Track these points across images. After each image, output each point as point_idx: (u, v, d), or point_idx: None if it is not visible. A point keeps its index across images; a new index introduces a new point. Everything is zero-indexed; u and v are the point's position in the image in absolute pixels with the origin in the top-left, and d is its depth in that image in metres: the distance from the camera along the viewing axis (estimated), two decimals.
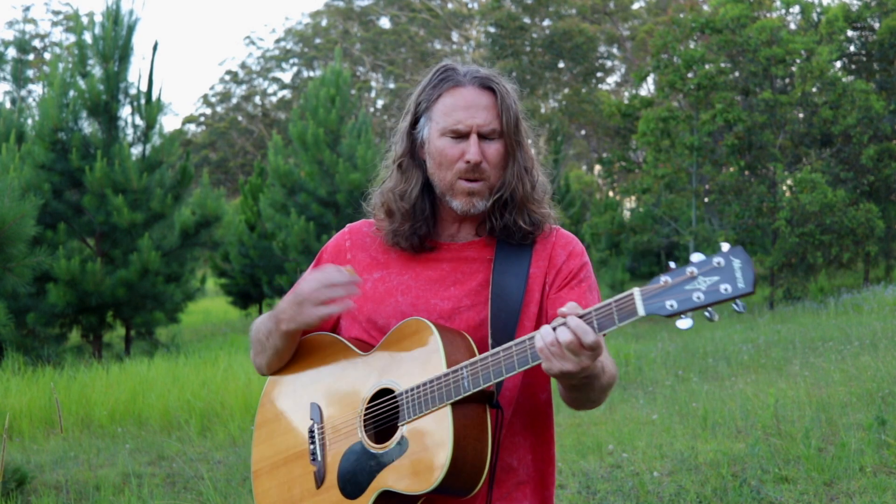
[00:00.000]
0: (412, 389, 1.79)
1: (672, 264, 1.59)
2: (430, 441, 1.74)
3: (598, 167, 41.56)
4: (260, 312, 21.00)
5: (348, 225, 2.13)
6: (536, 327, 1.92)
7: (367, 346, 1.96)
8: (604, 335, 1.63)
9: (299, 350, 2.04)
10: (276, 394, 2.05)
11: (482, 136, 1.90)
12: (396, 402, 1.83)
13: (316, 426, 1.95)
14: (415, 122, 1.99)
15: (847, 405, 6.54)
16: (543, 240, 2.00)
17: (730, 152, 18.83)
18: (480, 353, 1.84)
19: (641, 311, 1.57)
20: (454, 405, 1.74)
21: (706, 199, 20.83)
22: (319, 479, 1.91)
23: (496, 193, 1.93)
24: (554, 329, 1.63)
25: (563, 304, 1.87)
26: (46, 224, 11.07)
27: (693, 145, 18.88)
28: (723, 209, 19.61)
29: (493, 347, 1.84)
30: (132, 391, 8.02)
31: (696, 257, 1.56)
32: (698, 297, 1.53)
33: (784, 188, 19.45)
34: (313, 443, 1.93)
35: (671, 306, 1.55)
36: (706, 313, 1.54)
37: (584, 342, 1.59)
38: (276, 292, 17.99)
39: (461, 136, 1.90)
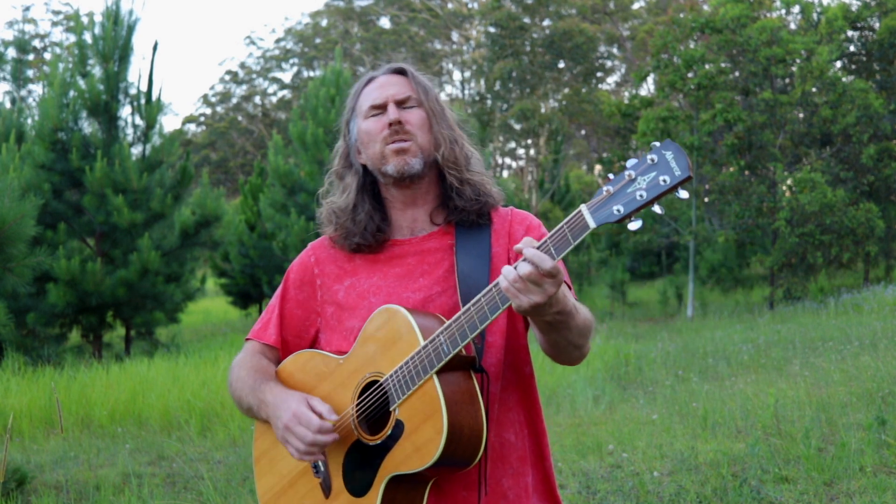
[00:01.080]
0: (395, 372, 1.81)
1: (611, 175, 1.62)
2: (424, 414, 1.75)
3: (598, 167, 41.55)
4: (260, 313, 20.99)
5: (310, 244, 2.17)
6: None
7: (341, 352, 1.98)
8: (562, 258, 1.66)
9: (282, 377, 2.05)
10: (267, 426, 2.05)
11: (400, 105, 1.99)
12: (384, 389, 1.83)
13: None
14: (348, 132, 2.09)
15: (847, 405, 6.54)
16: (500, 219, 2.04)
17: (730, 152, 18.83)
18: None
19: (592, 223, 1.60)
20: (439, 375, 1.75)
21: (706, 199, 20.83)
22: (326, 489, 1.92)
23: (430, 159, 1.99)
24: (515, 267, 1.66)
25: None
26: (46, 224, 11.07)
27: (693, 145, 18.88)
28: (723, 209, 19.61)
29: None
30: (132, 391, 8.02)
31: (631, 162, 1.60)
32: (641, 196, 1.56)
33: (784, 188, 19.46)
34: None
35: (618, 211, 1.58)
36: (654, 209, 1.59)
37: (543, 269, 1.60)
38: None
39: (381, 109, 2.00)
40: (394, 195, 2.03)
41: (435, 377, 1.75)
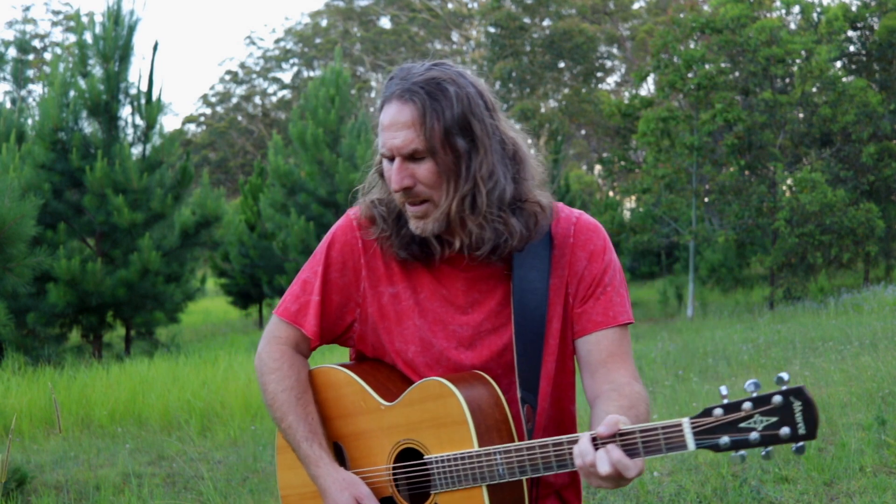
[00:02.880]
0: (443, 460, 1.74)
1: (723, 391, 1.49)
2: None
3: (598, 167, 41.55)
4: (260, 313, 21.01)
5: (353, 214, 1.92)
6: (561, 343, 1.87)
7: (385, 387, 1.88)
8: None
9: (315, 383, 1.96)
10: None
11: (409, 158, 1.73)
12: (427, 467, 1.78)
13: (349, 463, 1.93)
14: None
15: (847, 405, 6.54)
16: (561, 239, 1.85)
17: (730, 152, 18.82)
18: (501, 383, 1.81)
19: (691, 446, 1.49)
20: (489, 485, 1.72)
21: (706, 199, 20.83)
22: None
23: (445, 214, 1.75)
24: (595, 445, 1.54)
25: (588, 320, 1.83)
26: (46, 224, 11.07)
27: (693, 145, 18.88)
28: (723, 209, 19.60)
29: (520, 383, 1.80)
30: (132, 391, 8.02)
31: (750, 386, 1.48)
32: (754, 438, 1.46)
33: (784, 188, 19.46)
34: None
35: (724, 443, 1.47)
36: (762, 451, 1.48)
37: (626, 477, 1.51)
38: (276, 292, 17.99)
39: (391, 160, 1.76)
40: None
41: (485, 488, 1.71)
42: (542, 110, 31.83)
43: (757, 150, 19.09)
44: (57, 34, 41.23)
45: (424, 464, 1.78)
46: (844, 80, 19.98)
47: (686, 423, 1.49)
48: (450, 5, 42.19)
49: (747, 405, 1.46)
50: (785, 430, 1.43)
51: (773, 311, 16.99)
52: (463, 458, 1.71)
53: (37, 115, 11.85)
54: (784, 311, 16.12)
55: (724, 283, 21.90)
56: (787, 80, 20.61)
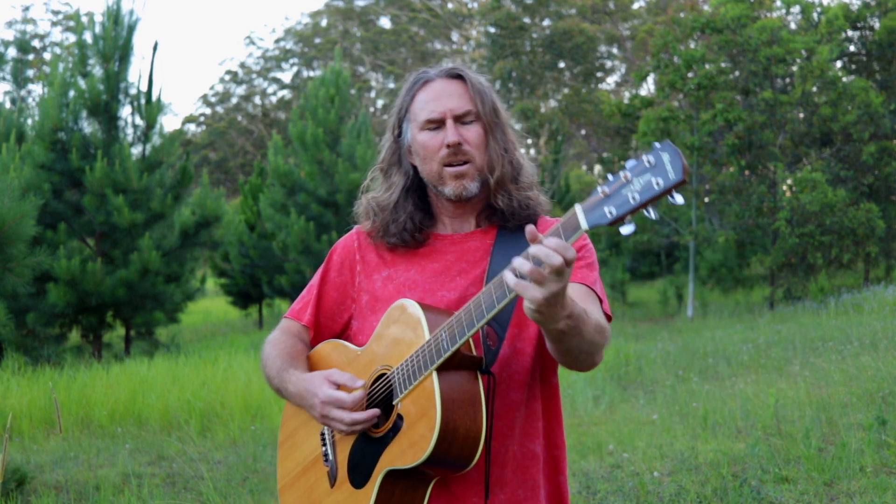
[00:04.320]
0: (401, 366, 1.81)
1: (610, 176, 1.57)
2: (421, 410, 1.74)
3: (598, 167, 41.52)
4: (260, 313, 21.01)
5: (355, 227, 2.16)
6: None
7: (361, 344, 2.00)
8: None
9: (310, 363, 2.09)
10: (294, 410, 2.10)
11: (458, 120, 1.94)
12: (390, 382, 1.84)
13: (326, 429, 1.98)
14: (399, 131, 2.04)
15: (847, 405, 6.54)
16: (543, 225, 2.02)
17: (730, 152, 18.82)
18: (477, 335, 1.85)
19: (584, 225, 1.55)
20: (440, 372, 1.73)
21: (706, 199, 20.83)
22: (332, 478, 1.94)
23: (485, 174, 1.96)
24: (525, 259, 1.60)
25: None
26: (46, 224, 11.06)
27: (693, 145, 18.88)
28: (723, 209, 19.60)
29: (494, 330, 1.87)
30: (132, 391, 8.02)
31: (629, 162, 1.54)
32: (634, 198, 1.50)
33: (784, 188, 19.45)
34: (325, 445, 1.98)
35: (610, 213, 1.52)
36: (646, 212, 1.51)
37: (567, 257, 1.53)
38: (275, 292, 17.99)
39: (438, 124, 1.95)
40: (444, 204, 2.03)
41: (434, 374, 1.73)
42: (542, 110, 31.82)
43: (757, 150, 19.09)
44: (57, 34, 41.23)
45: (388, 378, 1.84)
46: (845, 79, 19.97)
47: (578, 206, 1.58)
48: (450, 5, 42.18)
49: (625, 172, 1.53)
50: (657, 181, 1.48)
51: (773, 311, 16.99)
52: (416, 354, 1.78)
53: (37, 115, 11.84)
54: (784, 311, 16.11)
55: (724, 283, 21.90)
56: (788, 80, 20.60)
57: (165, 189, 12.01)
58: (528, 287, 1.56)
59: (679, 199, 1.49)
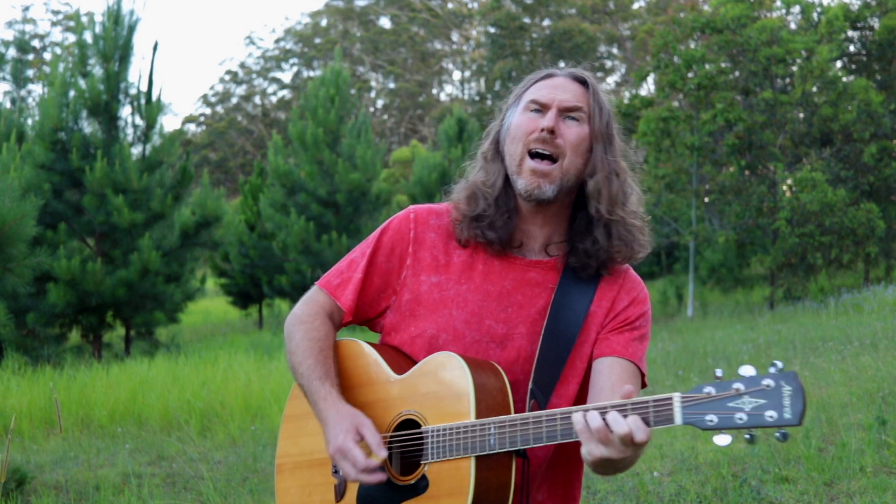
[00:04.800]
0: (438, 430, 1.75)
1: (718, 372, 1.50)
2: (451, 487, 1.71)
3: None
4: (260, 313, 21.01)
5: (413, 209, 1.98)
6: (587, 371, 1.88)
7: (399, 364, 1.90)
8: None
9: (335, 353, 1.99)
10: None
11: (564, 112, 1.83)
12: (421, 437, 1.79)
13: None
14: (503, 119, 1.94)
15: (847, 405, 6.54)
16: (610, 279, 1.91)
17: (730, 152, 18.82)
18: (520, 389, 1.81)
19: (679, 420, 1.49)
20: (478, 457, 1.70)
21: (706, 199, 20.83)
22: (339, 494, 1.89)
23: (569, 185, 1.83)
24: (603, 416, 1.54)
25: (608, 346, 1.85)
26: (47, 224, 11.07)
27: (693, 145, 18.88)
28: (723, 209, 19.60)
29: (534, 382, 1.81)
30: (132, 391, 8.02)
31: (746, 371, 1.47)
32: (741, 419, 1.45)
33: (784, 188, 19.46)
34: None
35: (710, 421, 1.47)
36: (746, 435, 1.48)
37: (637, 440, 1.50)
38: (275, 292, 17.99)
39: (542, 107, 1.84)
40: (521, 203, 1.88)
41: (473, 460, 1.70)
42: None
43: (757, 150, 19.09)
44: (57, 34, 41.25)
45: (420, 433, 1.79)
46: (845, 79, 19.98)
47: (677, 397, 1.50)
48: (450, 5, 42.18)
49: (738, 385, 1.47)
50: (771, 414, 1.43)
51: (773, 311, 16.99)
52: (458, 429, 1.71)
53: (37, 115, 11.85)
54: (784, 311, 16.11)
55: (724, 283, 21.91)
56: (788, 80, 20.61)
57: (165, 189, 12.01)
58: (589, 439, 1.54)
59: (784, 438, 1.44)
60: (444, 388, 1.77)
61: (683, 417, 1.49)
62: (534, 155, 1.82)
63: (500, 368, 1.80)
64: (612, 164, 1.84)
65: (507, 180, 1.88)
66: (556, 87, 1.86)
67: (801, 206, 17.53)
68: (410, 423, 1.84)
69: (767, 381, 1.45)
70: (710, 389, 1.49)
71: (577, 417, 1.56)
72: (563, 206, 1.88)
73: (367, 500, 1.84)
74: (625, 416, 1.52)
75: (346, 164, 15.21)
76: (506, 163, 1.87)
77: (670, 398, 1.50)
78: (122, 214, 11.20)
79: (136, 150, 12.11)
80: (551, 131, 1.79)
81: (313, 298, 1.99)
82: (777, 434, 1.44)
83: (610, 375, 1.83)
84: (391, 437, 1.84)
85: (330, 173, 15.43)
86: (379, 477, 1.74)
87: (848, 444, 5.20)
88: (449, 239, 1.93)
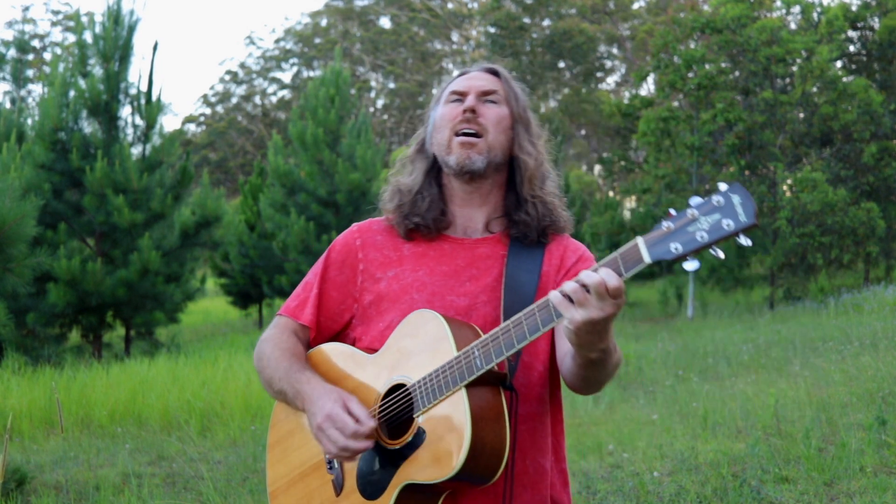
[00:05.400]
0: (424, 379, 1.77)
1: (672, 211, 1.58)
2: (448, 426, 1.72)
3: (598, 167, 41.50)
4: (260, 313, 21.01)
5: (356, 224, 2.10)
6: None
7: (370, 350, 1.93)
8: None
9: (310, 364, 2.02)
10: (288, 411, 2.02)
11: (482, 96, 1.96)
12: (409, 395, 1.80)
13: None
14: (427, 122, 2.04)
15: (847, 405, 6.54)
16: (556, 243, 2.01)
17: (730, 152, 18.83)
18: None
19: (647, 258, 1.55)
20: (468, 388, 1.71)
21: None
22: (338, 486, 1.89)
23: (497, 160, 1.95)
24: (577, 279, 1.60)
25: None
26: (47, 224, 11.06)
27: (693, 145, 18.88)
28: None
29: None
30: (132, 391, 8.02)
31: (695, 200, 1.55)
32: (702, 237, 1.51)
33: (784, 188, 19.46)
34: None
35: (676, 249, 1.53)
36: (712, 251, 1.54)
37: (610, 285, 1.54)
38: (275, 292, 17.98)
39: (461, 96, 1.96)
40: (454, 188, 1.99)
41: (464, 390, 1.71)
42: (543, 110, 31.81)
43: (757, 149, 19.09)
44: (57, 34, 41.24)
45: (408, 391, 1.80)
46: (845, 79, 19.97)
47: (640, 239, 1.57)
48: (450, 5, 42.18)
49: (692, 211, 1.54)
50: (727, 222, 1.49)
51: (773, 311, 16.99)
52: (443, 368, 1.74)
53: (37, 115, 11.84)
54: (784, 312, 16.12)
55: (724, 283, 21.90)
56: (788, 80, 20.61)
57: (165, 189, 12.01)
58: (569, 307, 1.57)
59: (747, 241, 1.50)
60: (421, 341, 1.81)
61: (650, 254, 1.55)
62: (459, 134, 1.94)
63: (470, 323, 1.86)
64: (534, 146, 1.99)
65: (428, 172, 2.01)
66: (472, 78, 1.99)
67: (801, 206, 17.54)
68: (397, 389, 1.85)
69: (717, 198, 1.52)
70: (668, 224, 1.56)
71: (552, 294, 1.61)
72: (495, 184, 1.99)
73: (368, 477, 1.84)
74: (596, 272, 1.57)
75: (346, 164, 15.20)
76: (435, 154, 1.99)
77: (635, 243, 1.58)
78: (122, 214, 11.20)
79: (136, 150, 12.11)
80: (472, 111, 1.92)
81: (275, 324, 2.08)
82: (738, 239, 1.50)
83: None
84: (380, 405, 1.85)
85: (330, 173, 15.43)
86: (367, 444, 1.77)
87: (848, 444, 5.20)
88: (395, 237, 2.04)
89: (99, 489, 5.30)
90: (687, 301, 20.05)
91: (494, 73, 2.02)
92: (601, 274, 1.55)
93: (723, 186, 1.53)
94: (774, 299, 18.60)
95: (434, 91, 2.10)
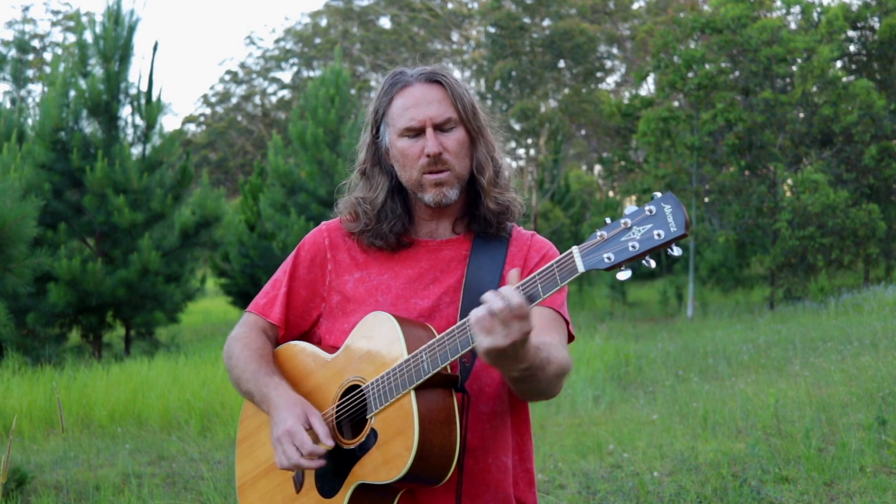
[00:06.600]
0: (376, 381, 1.80)
1: (608, 220, 1.59)
2: (397, 428, 1.75)
3: (598, 167, 41.50)
4: None
5: (324, 223, 2.12)
6: None
7: (332, 350, 1.97)
8: (548, 296, 1.62)
9: (276, 361, 2.06)
10: (255, 409, 2.05)
11: (438, 128, 1.92)
12: (364, 395, 1.84)
13: None
14: (377, 132, 2.02)
15: (847, 405, 6.54)
16: (520, 240, 2.02)
17: (730, 152, 18.82)
18: None
19: (581, 268, 1.57)
20: (417, 391, 1.74)
21: (706, 199, 20.83)
22: (298, 484, 1.93)
23: (465, 181, 1.96)
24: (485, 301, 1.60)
25: None
26: (47, 224, 11.07)
27: (693, 145, 18.88)
28: (723, 209, 19.60)
29: None
30: (132, 391, 8.02)
31: (629, 209, 1.56)
32: (633, 247, 1.53)
33: (784, 188, 19.46)
34: None
35: (608, 259, 1.55)
36: (644, 261, 1.55)
37: (512, 305, 1.54)
38: None
39: (417, 132, 1.92)
40: (422, 208, 2.00)
41: (412, 393, 1.74)
42: (542, 110, 31.81)
43: (757, 150, 19.09)
44: (57, 34, 41.22)
45: (362, 392, 1.84)
46: (845, 80, 19.97)
47: (575, 249, 1.59)
48: (450, 5, 42.18)
49: (625, 220, 1.56)
50: (658, 232, 1.51)
51: (773, 311, 16.99)
52: (394, 371, 1.77)
53: (37, 115, 11.84)
54: (784, 312, 16.12)
55: (724, 284, 21.90)
56: (788, 80, 20.61)
57: (165, 189, 12.01)
58: (477, 334, 1.59)
59: (677, 251, 1.52)
60: (375, 342, 1.84)
61: (584, 264, 1.57)
62: (429, 173, 1.93)
63: (429, 326, 1.87)
64: (486, 153, 1.97)
65: (392, 192, 2.00)
66: (420, 103, 1.92)
67: (802, 207, 17.53)
68: (353, 391, 1.88)
69: (649, 208, 1.54)
70: (602, 233, 1.57)
71: (472, 312, 1.60)
72: (460, 196, 2.01)
73: (325, 476, 1.88)
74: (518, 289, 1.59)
75: (347, 163, 15.20)
76: (402, 182, 1.98)
77: (570, 252, 1.60)
78: (123, 214, 11.20)
79: (136, 150, 12.11)
80: (437, 155, 1.90)
81: (244, 321, 2.10)
82: (670, 250, 1.52)
83: (534, 324, 1.86)
84: (337, 406, 1.87)
85: (330, 173, 15.43)
86: (320, 463, 1.79)
87: (848, 444, 5.20)
88: (361, 239, 2.05)
89: (99, 489, 5.30)
90: (687, 301, 20.05)
91: (437, 81, 1.95)
92: (504, 291, 1.56)
93: (656, 195, 1.54)
94: (774, 299, 18.60)
95: (379, 79, 2.05)
